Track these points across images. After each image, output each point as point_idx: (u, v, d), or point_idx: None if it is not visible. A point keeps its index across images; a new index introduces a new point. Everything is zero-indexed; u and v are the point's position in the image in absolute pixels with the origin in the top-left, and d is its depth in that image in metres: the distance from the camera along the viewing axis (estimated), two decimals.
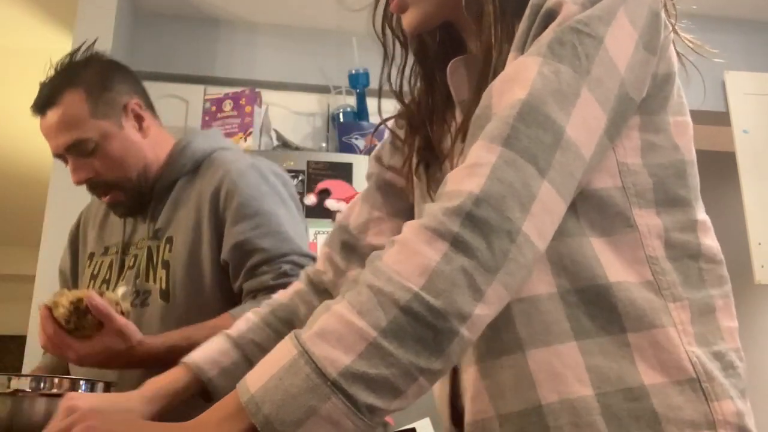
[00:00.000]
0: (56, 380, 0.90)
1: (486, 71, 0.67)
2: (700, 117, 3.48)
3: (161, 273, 1.23)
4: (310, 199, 2.32)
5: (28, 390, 0.88)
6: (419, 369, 0.50)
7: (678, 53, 0.72)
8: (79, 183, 1.25)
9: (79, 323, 1.03)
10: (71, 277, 1.39)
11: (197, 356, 0.83)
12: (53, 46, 3.08)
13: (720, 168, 2.97)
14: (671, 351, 0.59)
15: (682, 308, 0.61)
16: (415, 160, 0.80)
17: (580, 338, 0.60)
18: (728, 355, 0.62)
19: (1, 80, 3.42)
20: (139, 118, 1.28)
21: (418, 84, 0.83)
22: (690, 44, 0.73)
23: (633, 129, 0.65)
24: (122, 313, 1.07)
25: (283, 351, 0.51)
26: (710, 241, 0.66)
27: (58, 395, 0.88)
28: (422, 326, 0.50)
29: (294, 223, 1.26)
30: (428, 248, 0.51)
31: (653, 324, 0.60)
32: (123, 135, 1.25)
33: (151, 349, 1.08)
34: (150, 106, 1.33)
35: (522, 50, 0.63)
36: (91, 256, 1.34)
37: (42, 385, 0.89)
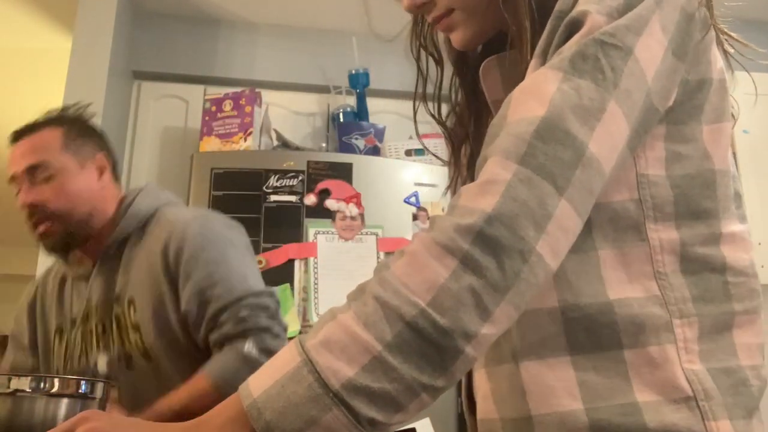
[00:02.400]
0: (56, 380, 0.90)
1: (522, 76, 0.64)
2: None
3: (134, 336, 1.26)
4: (310, 199, 2.32)
5: (28, 390, 0.87)
6: (422, 385, 0.50)
7: (726, 52, 0.69)
8: (24, 205, 1.29)
9: None
10: (30, 349, 1.39)
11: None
12: (53, 46, 3.08)
13: None
14: (666, 369, 0.58)
15: (689, 325, 0.60)
16: (464, 173, 0.78)
17: (575, 353, 0.60)
18: (740, 372, 0.60)
19: (1, 80, 3.42)
20: (101, 170, 1.37)
21: (459, 97, 0.81)
22: (734, 44, 0.70)
23: (658, 139, 0.62)
24: None
25: (287, 357, 0.51)
26: (740, 254, 0.64)
27: (58, 395, 0.88)
28: (427, 343, 0.49)
29: (244, 264, 1.29)
30: (437, 263, 0.51)
31: (649, 341, 0.59)
32: (82, 175, 1.33)
33: None
34: (114, 168, 1.41)
35: (543, 57, 0.61)
36: (60, 331, 1.36)
37: (42, 385, 0.89)
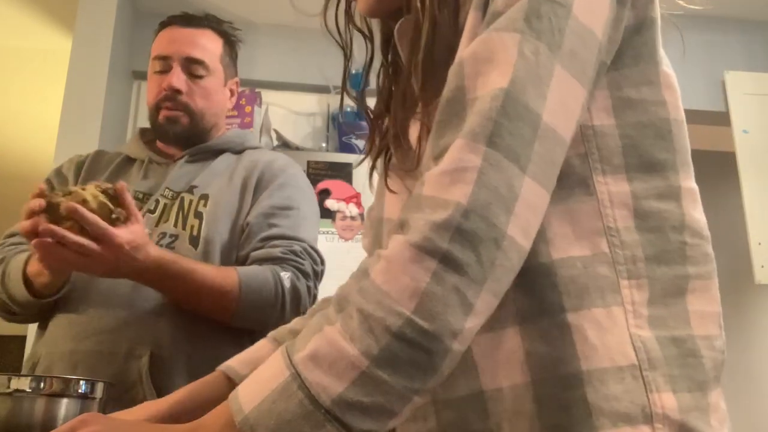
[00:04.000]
0: (56, 380, 0.90)
1: (417, 41, 0.62)
2: (699, 117, 3.41)
3: (193, 222, 1.28)
4: None
5: (27, 390, 0.87)
6: (414, 390, 0.49)
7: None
8: (170, 87, 1.33)
9: (109, 213, 1.05)
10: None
11: (232, 362, 0.82)
12: (53, 46, 3.08)
13: (720, 168, 2.96)
14: (613, 333, 0.55)
15: (638, 287, 0.56)
16: (382, 148, 0.75)
17: (523, 323, 0.57)
18: (690, 342, 0.56)
19: (1, 80, 3.42)
20: (232, 92, 1.44)
21: (382, 76, 0.78)
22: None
23: (601, 88, 0.59)
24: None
25: (275, 370, 0.50)
26: (698, 214, 0.61)
27: (58, 395, 0.88)
28: (416, 350, 0.48)
29: (315, 224, 1.39)
30: (416, 268, 0.49)
31: (594, 303, 0.55)
32: (222, 90, 1.41)
33: (148, 257, 1.11)
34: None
35: (483, 9, 0.58)
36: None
37: (42, 385, 0.89)
